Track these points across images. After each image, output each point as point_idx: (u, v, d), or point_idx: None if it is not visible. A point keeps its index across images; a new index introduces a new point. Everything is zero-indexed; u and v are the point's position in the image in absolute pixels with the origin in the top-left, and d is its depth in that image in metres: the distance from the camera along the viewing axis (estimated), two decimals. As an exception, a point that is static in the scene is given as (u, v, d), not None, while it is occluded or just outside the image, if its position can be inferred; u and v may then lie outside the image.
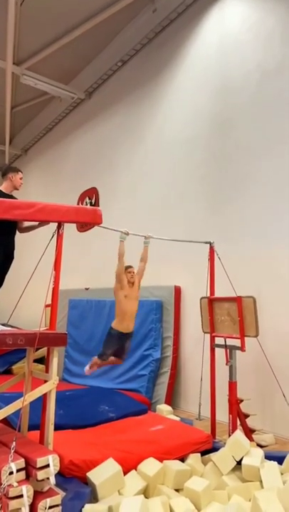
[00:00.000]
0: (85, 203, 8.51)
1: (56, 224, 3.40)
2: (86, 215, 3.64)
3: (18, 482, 2.49)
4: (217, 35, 6.03)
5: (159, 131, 6.97)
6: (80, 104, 9.39)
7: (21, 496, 2.44)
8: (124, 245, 4.00)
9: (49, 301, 3.27)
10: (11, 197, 3.97)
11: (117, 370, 6.11)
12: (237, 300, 4.14)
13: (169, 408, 5.02)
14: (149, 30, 7.16)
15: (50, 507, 2.51)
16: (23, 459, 2.59)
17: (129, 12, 7.25)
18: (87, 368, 4.23)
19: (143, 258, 4.21)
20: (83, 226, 7.97)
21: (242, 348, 4.03)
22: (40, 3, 6.95)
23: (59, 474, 2.81)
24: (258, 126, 5.24)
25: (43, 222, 3.81)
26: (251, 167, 5.25)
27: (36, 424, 3.15)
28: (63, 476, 2.99)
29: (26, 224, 3.97)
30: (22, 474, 2.55)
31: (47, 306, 3.35)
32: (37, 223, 3.88)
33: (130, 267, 4.12)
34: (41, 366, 5.75)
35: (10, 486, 2.45)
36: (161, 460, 3.30)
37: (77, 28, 7.39)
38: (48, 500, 2.51)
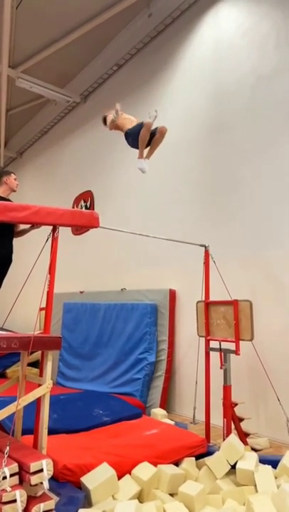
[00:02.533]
0: (80, 206, 8.51)
1: (51, 227, 3.38)
2: (82, 218, 3.60)
3: (11, 487, 2.46)
4: (212, 40, 6.07)
5: (154, 135, 6.99)
6: (76, 107, 9.40)
7: (15, 500, 2.42)
8: None
9: (44, 305, 3.27)
10: (8, 200, 3.98)
11: (111, 374, 6.10)
12: (233, 303, 4.15)
13: (163, 412, 5.02)
14: (144, 35, 7.19)
15: (44, 512, 2.49)
16: (16, 464, 2.56)
17: (125, 17, 7.29)
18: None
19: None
20: (78, 229, 7.97)
21: (236, 352, 4.04)
22: (35, 6, 6.96)
23: (53, 479, 2.78)
24: (252, 130, 5.28)
25: (34, 226, 3.81)
26: (245, 171, 5.28)
27: (30, 429, 3.12)
28: (57, 481, 2.97)
29: (20, 228, 3.97)
30: (15, 479, 2.53)
31: (41, 309, 3.34)
32: (28, 226, 3.88)
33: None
34: (35, 370, 5.76)
35: (3, 490, 2.43)
36: (155, 464, 3.28)
37: (72, 31, 7.42)
38: (42, 505, 2.49)
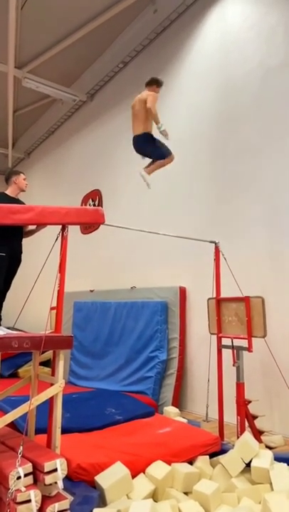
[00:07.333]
0: (88, 204, 8.51)
1: (61, 226, 3.38)
2: (87, 215, 3.59)
3: (25, 487, 2.47)
4: (218, 33, 6.01)
5: (162, 131, 6.94)
6: (82, 106, 9.39)
7: (29, 500, 2.42)
8: None
9: (54, 304, 3.26)
10: (18, 200, 3.98)
11: (123, 372, 6.09)
12: (245, 300, 4.11)
13: (176, 410, 4.99)
14: (150, 31, 7.15)
15: (59, 511, 2.49)
16: (30, 464, 2.57)
17: (130, 13, 7.25)
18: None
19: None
20: (87, 228, 7.97)
21: (249, 349, 4.00)
22: (40, 6, 6.96)
23: (67, 478, 2.79)
24: (262, 123, 5.21)
25: (40, 226, 3.81)
26: (256, 165, 5.22)
27: (43, 428, 3.13)
28: (71, 480, 2.96)
29: (28, 228, 3.97)
30: (30, 479, 2.53)
31: (52, 308, 3.34)
32: (35, 227, 3.88)
33: None
34: (47, 369, 5.77)
35: (18, 490, 2.43)
36: (169, 463, 3.27)
37: (78, 30, 7.40)
38: (57, 504, 2.49)
